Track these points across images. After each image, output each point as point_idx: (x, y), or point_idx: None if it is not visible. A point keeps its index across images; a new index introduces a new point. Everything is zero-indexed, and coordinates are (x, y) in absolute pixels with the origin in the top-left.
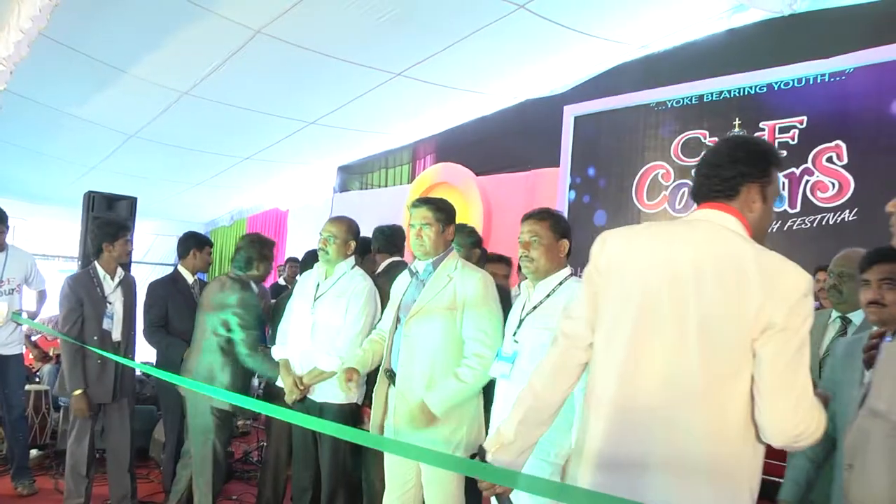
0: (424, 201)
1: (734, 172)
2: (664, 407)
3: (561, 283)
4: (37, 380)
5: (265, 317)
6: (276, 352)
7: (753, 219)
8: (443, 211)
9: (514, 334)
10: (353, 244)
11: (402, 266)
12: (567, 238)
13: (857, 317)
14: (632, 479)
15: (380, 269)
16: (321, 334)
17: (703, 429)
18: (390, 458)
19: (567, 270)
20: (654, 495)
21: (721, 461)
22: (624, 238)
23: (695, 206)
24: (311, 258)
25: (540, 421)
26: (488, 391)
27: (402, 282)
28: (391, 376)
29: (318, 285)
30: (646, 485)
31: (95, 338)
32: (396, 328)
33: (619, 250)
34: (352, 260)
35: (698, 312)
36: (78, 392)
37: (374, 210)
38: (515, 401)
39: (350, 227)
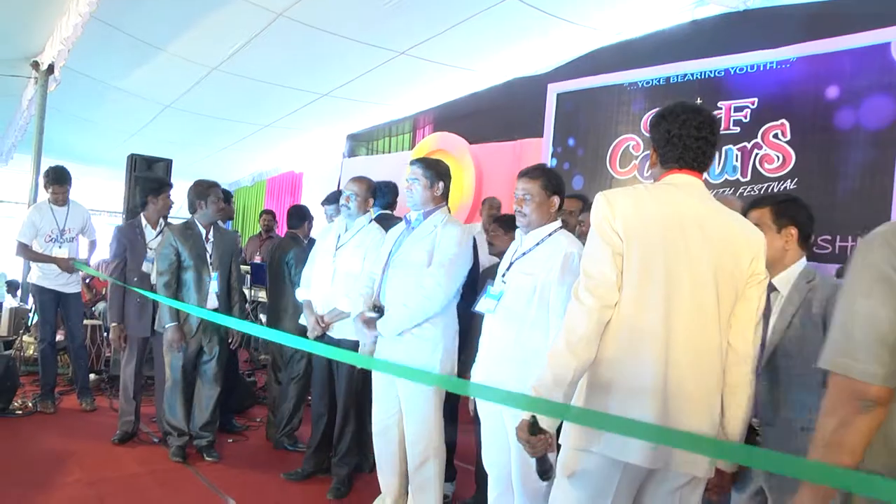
0: (417, 161)
1: (715, 146)
2: (696, 353)
3: (550, 235)
4: (95, 314)
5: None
6: (300, 294)
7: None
8: (431, 169)
9: (503, 275)
10: (371, 201)
11: (392, 218)
12: (559, 194)
13: None
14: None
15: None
16: (341, 280)
17: (719, 361)
18: (377, 388)
19: (557, 224)
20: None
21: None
22: (631, 200)
23: (667, 169)
24: (295, 212)
25: (581, 375)
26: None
27: (397, 230)
28: (379, 311)
29: (339, 237)
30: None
31: (136, 279)
32: (385, 269)
33: (632, 213)
34: (370, 214)
35: (710, 266)
36: (114, 324)
37: (378, 174)
38: (553, 366)
39: (369, 185)
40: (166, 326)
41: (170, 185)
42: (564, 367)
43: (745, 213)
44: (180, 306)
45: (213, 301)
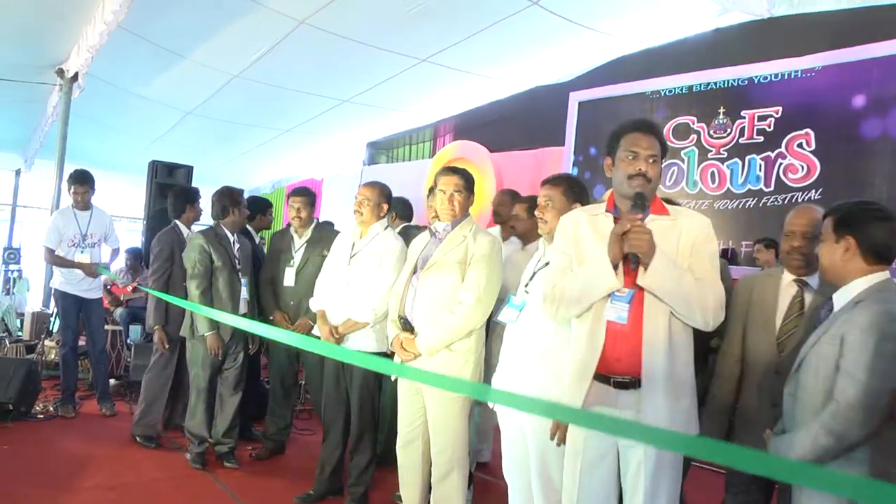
0: (455, 170)
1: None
2: None
3: None
4: (115, 319)
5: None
6: (314, 303)
7: (613, 185)
8: (467, 180)
9: (526, 285)
10: (385, 206)
11: (414, 229)
12: (581, 202)
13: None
14: None
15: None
16: (356, 288)
17: None
18: (402, 398)
19: None
20: None
21: None
22: None
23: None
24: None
25: None
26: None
27: (421, 240)
28: (404, 322)
29: (354, 244)
30: None
31: (185, 284)
32: (411, 279)
33: None
34: (385, 220)
35: None
36: (157, 327)
37: (398, 182)
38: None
39: (382, 190)
40: (206, 335)
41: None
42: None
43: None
44: (217, 316)
45: (243, 307)
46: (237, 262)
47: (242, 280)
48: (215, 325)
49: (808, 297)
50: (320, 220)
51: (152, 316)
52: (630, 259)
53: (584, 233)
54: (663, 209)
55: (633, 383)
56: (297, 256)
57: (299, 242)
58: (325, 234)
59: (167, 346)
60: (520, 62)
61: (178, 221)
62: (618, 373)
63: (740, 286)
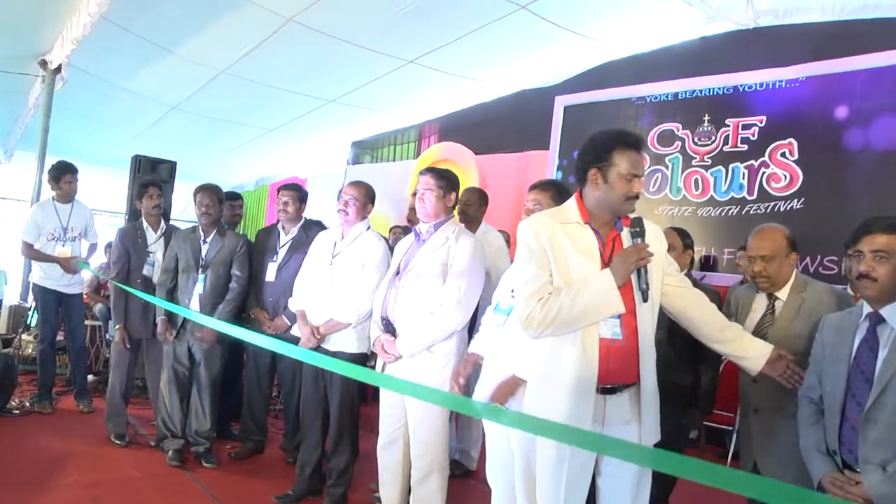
0: (428, 170)
1: (580, 164)
2: None
3: None
4: (95, 314)
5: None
6: (293, 303)
7: (594, 198)
8: (444, 179)
9: (513, 290)
10: (370, 206)
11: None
12: None
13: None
14: None
15: None
16: (339, 288)
17: None
18: (384, 399)
19: None
20: None
21: None
22: None
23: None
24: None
25: None
26: None
27: (406, 241)
28: (385, 324)
29: (336, 244)
30: None
31: (139, 281)
32: (394, 281)
33: None
34: (368, 221)
35: None
36: (118, 326)
37: (382, 182)
38: None
39: (367, 191)
40: (158, 319)
41: (151, 185)
42: None
43: (855, 236)
44: (162, 303)
45: (195, 303)
46: (202, 259)
47: (199, 277)
48: (167, 313)
49: (779, 307)
50: (309, 220)
51: (113, 315)
52: (642, 289)
53: (564, 245)
54: (628, 220)
55: (619, 388)
56: (282, 253)
57: (285, 239)
58: (311, 234)
59: (128, 346)
60: (507, 65)
61: (142, 217)
62: (607, 383)
63: (729, 300)
